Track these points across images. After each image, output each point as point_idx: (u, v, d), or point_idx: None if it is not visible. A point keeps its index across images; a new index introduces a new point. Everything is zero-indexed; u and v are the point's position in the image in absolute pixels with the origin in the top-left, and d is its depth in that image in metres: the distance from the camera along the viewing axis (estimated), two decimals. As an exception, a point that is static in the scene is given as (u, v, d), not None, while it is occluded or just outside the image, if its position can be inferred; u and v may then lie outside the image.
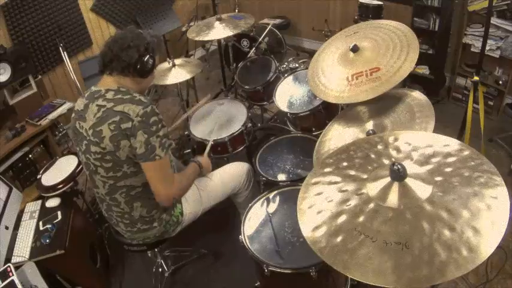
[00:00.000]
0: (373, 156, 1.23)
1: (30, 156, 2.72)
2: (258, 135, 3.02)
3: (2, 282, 1.58)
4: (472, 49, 3.04)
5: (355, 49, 1.70)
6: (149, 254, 2.13)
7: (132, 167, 1.52)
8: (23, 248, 1.86)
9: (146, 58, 1.55)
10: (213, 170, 1.99)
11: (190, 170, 1.76)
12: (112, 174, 1.53)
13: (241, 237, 1.60)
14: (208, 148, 2.09)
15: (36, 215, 2.06)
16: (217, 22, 2.75)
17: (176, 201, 1.75)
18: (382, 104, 1.66)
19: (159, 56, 1.68)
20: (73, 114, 1.62)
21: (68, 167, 2.19)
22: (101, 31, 3.71)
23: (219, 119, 2.48)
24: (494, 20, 2.76)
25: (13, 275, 1.61)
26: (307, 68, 2.06)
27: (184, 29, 4.00)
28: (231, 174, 1.99)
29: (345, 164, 1.25)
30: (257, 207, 1.75)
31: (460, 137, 2.34)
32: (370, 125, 1.63)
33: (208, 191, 1.88)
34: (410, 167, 1.09)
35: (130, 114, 1.43)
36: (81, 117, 1.54)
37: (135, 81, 1.58)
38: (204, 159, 1.90)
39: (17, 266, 1.75)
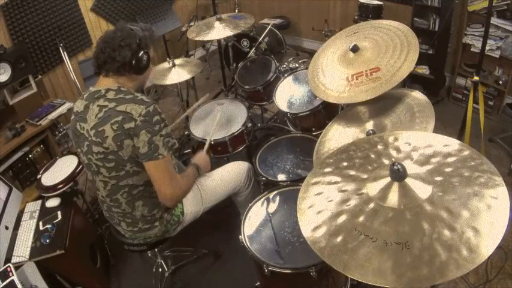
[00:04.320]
0: (373, 156, 1.23)
1: (30, 156, 2.72)
2: (258, 135, 3.03)
3: (2, 282, 1.58)
4: (472, 49, 3.04)
5: (355, 49, 1.70)
6: (149, 254, 2.13)
7: (134, 166, 1.52)
8: (23, 248, 1.86)
9: (140, 55, 1.53)
10: (213, 169, 2.00)
11: (190, 172, 1.77)
12: (114, 174, 1.52)
13: (241, 237, 1.59)
14: (206, 146, 2.08)
15: (36, 215, 2.05)
16: (217, 22, 2.75)
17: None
18: (382, 104, 1.66)
19: (157, 49, 1.67)
20: (72, 116, 1.61)
21: (68, 167, 2.19)
22: (100, 31, 3.70)
23: (219, 119, 2.47)
24: (494, 20, 2.76)
25: (13, 275, 1.60)
26: (307, 68, 2.06)
27: (184, 29, 3.99)
28: (232, 173, 1.99)
29: (345, 164, 1.25)
30: (257, 207, 1.75)
31: (460, 137, 2.34)
32: (370, 125, 1.63)
33: (209, 190, 1.88)
34: (410, 167, 1.09)
35: (133, 114, 1.43)
36: (81, 118, 1.54)
37: (132, 78, 1.59)
38: (202, 156, 1.89)
39: (17, 266, 1.75)
